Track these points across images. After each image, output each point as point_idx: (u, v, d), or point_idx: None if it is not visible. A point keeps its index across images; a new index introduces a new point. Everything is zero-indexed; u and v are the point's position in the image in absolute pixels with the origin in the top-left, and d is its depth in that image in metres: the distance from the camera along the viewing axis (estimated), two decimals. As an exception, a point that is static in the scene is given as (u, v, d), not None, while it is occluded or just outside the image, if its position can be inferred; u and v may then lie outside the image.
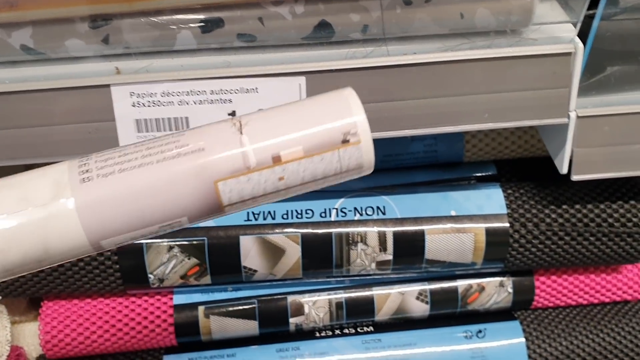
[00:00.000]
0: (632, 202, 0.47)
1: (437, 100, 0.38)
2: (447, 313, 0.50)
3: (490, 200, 0.46)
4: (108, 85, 0.36)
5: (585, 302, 0.51)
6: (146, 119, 0.37)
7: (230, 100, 0.37)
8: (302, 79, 0.36)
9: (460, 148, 0.50)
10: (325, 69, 0.36)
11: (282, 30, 0.36)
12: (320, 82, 0.36)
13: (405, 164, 0.51)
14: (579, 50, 0.37)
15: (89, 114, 0.37)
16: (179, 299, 0.48)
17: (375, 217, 0.46)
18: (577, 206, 0.46)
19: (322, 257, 0.46)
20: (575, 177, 0.41)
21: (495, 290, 0.49)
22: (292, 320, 0.48)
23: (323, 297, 0.48)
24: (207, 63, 0.36)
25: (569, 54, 0.37)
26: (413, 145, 0.50)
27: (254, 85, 0.36)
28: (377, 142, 0.50)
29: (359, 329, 0.49)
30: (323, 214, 0.46)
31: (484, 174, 0.51)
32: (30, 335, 0.50)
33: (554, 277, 0.50)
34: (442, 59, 0.37)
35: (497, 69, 0.37)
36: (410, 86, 0.37)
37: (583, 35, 0.38)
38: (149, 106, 0.37)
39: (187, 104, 0.37)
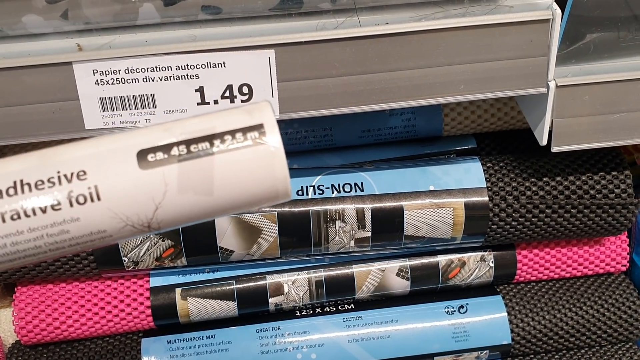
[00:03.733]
0: (614, 172, 0.46)
1: (411, 72, 0.37)
2: (428, 289, 0.49)
3: (469, 174, 0.45)
4: (70, 63, 0.35)
5: (567, 275, 0.51)
6: (111, 97, 0.36)
7: (197, 76, 0.35)
8: (271, 52, 0.35)
9: (439, 122, 0.49)
10: (294, 41, 0.35)
11: (249, 1, 0.35)
12: (290, 54, 0.35)
13: (383, 140, 0.50)
14: (557, 17, 0.36)
15: (51, 93, 0.35)
16: (156, 281, 0.47)
17: (353, 193, 0.45)
18: (558, 178, 0.46)
19: (299, 236, 0.45)
20: (555, 149, 0.41)
21: (477, 265, 0.49)
22: (271, 300, 0.47)
23: (302, 276, 0.48)
24: (172, 37, 0.35)
25: (546, 20, 0.36)
26: (391, 120, 0.49)
27: (222, 59, 0.35)
28: (355, 117, 0.49)
29: (339, 307, 0.49)
30: (300, 192, 0.45)
31: (464, 147, 0.50)
32: (5, 321, 0.49)
33: (535, 251, 0.49)
34: (416, 28, 0.35)
35: (472, 38, 0.36)
36: (383, 58, 0.36)
37: (561, 1, 0.37)
38: (113, 84, 0.35)
39: (153, 80, 0.35)
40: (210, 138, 0.23)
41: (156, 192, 0.23)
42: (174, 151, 0.23)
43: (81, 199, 0.23)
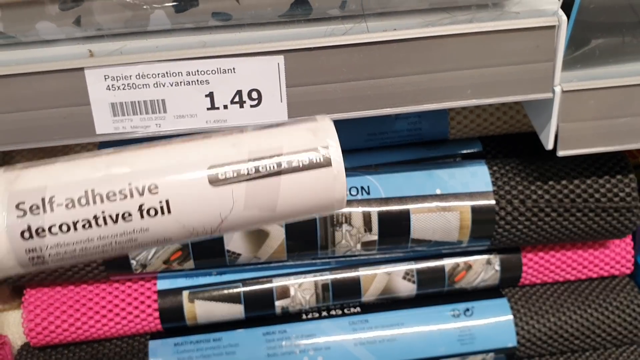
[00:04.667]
0: (619, 176, 0.46)
1: (419, 77, 0.37)
2: (434, 292, 0.50)
3: (476, 178, 0.46)
4: (82, 69, 0.35)
5: (572, 278, 0.51)
6: (122, 102, 0.36)
7: (207, 82, 0.36)
8: (280, 58, 0.36)
9: (445, 125, 0.49)
10: (304, 47, 0.35)
11: (258, 8, 0.35)
12: (298, 60, 0.36)
13: (389, 143, 0.50)
14: (563, 23, 0.37)
15: (63, 98, 0.36)
16: (163, 284, 0.47)
17: (359, 197, 0.45)
18: (564, 182, 0.46)
19: (306, 239, 0.45)
20: (561, 153, 0.41)
21: (483, 268, 0.49)
22: (278, 303, 0.48)
23: (309, 279, 0.48)
24: (182, 43, 0.36)
25: (552, 27, 0.37)
26: (397, 124, 0.49)
27: (231, 65, 0.36)
28: (361, 120, 0.50)
29: (345, 310, 0.49)
30: (307, 195, 0.45)
31: (469, 151, 0.50)
32: (14, 323, 0.49)
33: (541, 254, 0.50)
34: (423, 34, 0.36)
35: (479, 43, 0.36)
36: (391, 63, 0.36)
37: (567, 7, 0.37)
38: (124, 89, 0.36)
39: (163, 85, 0.36)
40: (277, 159, 0.24)
41: (224, 208, 0.24)
42: (244, 170, 0.24)
43: (152, 212, 0.24)
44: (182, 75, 0.36)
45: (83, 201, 0.23)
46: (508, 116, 0.50)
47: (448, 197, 0.45)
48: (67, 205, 0.23)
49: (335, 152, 0.25)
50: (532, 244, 0.48)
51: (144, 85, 0.36)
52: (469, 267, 0.49)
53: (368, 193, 0.45)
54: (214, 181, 0.24)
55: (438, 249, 0.47)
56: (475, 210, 0.45)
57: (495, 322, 0.49)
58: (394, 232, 0.45)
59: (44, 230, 0.23)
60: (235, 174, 0.24)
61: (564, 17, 0.36)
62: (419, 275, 0.49)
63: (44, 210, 0.23)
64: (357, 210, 0.45)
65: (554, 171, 0.46)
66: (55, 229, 0.23)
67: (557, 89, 0.39)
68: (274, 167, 0.24)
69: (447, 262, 0.49)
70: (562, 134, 0.40)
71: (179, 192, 0.24)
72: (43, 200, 0.23)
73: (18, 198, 0.23)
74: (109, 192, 0.24)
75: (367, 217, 0.45)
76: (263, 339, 0.47)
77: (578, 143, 0.41)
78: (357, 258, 0.48)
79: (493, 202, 0.45)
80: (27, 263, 0.24)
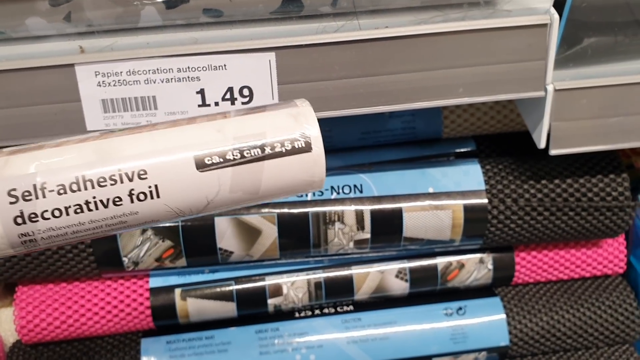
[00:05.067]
0: (611, 175, 0.46)
1: (411, 75, 0.37)
2: (427, 291, 0.50)
3: (468, 177, 0.46)
4: (72, 65, 0.35)
5: (565, 277, 0.51)
6: (112, 99, 0.36)
7: (198, 78, 0.36)
8: (271, 55, 0.35)
9: (438, 124, 0.49)
10: (295, 44, 0.35)
11: (250, 5, 0.35)
12: (290, 57, 0.36)
13: (383, 142, 0.50)
14: (555, 22, 0.37)
15: (53, 94, 0.36)
16: (155, 281, 0.47)
17: (352, 195, 0.45)
18: (556, 181, 0.46)
19: (299, 237, 0.45)
20: (553, 152, 0.41)
21: (475, 267, 0.49)
22: (270, 301, 0.48)
23: (301, 277, 0.48)
24: (173, 40, 0.36)
25: (544, 25, 0.37)
26: (391, 122, 0.49)
27: (222, 62, 0.35)
28: (354, 119, 0.49)
29: (338, 309, 0.49)
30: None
31: (463, 149, 0.50)
32: (6, 320, 0.49)
33: (534, 253, 0.50)
34: (415, 32, 0.36)
35: (471, 41, 0.36)
36: (383, 61, 0.36)
37: (559, 6, 0.37)
38: (115, 85, 0.36)
39: (154, 82, 0.36)
40: (261, 145, 0.25)
41: (210, 191, 0.25)
42: (229, 155, 0.25)
43: (142, 197, 0.25)
44: (173, 71, 0.36)
45: (75, 187, 0.24)
46: (502, 115, 0.50)
47: (441, 196, 0.45)
48: (58, 192, 0.24)
49: (315, 137, 0.26)
50: (524, 243, 0.48)
51: (135, 82, 0.36)
52: (461, 265, 0.49)
53: (361, 191, 0.45)
54: (201, 166, 0.25)
55: (431, 248, 0.47)
56: (467, 209, 0.45)
57: (488, 321, 0.49)
58: (386, 231, 0.45)
59: (36, 216, 0.24)
60: (221, 160, 0.25)
61: (556, 16, 0.36)
62: (412, 273, 0.49)
63: (37, 197, 0.24)
64: (350, 209, 0.45)
65: (547, 170, 0.46)
66: (47, 214, 0.24)
67: (550, 88, 0.39)
68: (257, 152, 0.25)
69: (440, 261, 0.49)
70: (555, 132, 0.40)
71: (167, 178, 0.25)
72: (35, 186, 0.24)
73: (10, 184, 0.24)
74: (100, 177, 0.24)
75: (359, 216, 0.45)
76: (255, 337, 0.47)
77: (570, 142, 0.41)
78: (349, 256, 0.48)
79: (485, 200, 0.45)
80: (19, 246, 0.24)
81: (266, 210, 0.44)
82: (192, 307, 0.47)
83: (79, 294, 0.47)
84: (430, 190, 0.45)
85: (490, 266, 0.49)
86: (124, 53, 0.35)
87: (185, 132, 0.26)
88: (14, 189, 0.24)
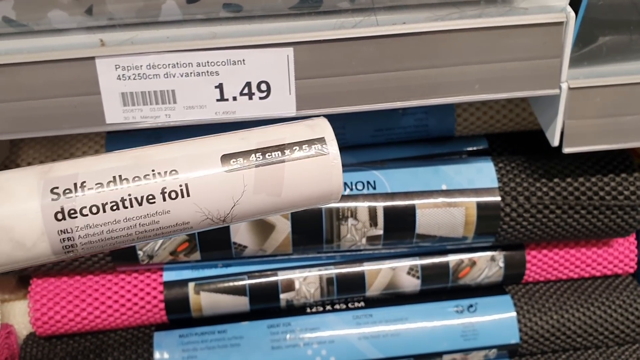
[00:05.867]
0: (624, 174, 0.46)
1: (427, 71, 0.37)
2: (438, 288, 0.50)
3: (482, 174, 0.46)
4: (93, 58, 0.35)
5: (576, 276, 0.51)
6: (132, 92, 0.36)
7: (217, 73, 0.36)
8: (289, 50, 0.36)
9: (451, 122, 0.50)
10: (313, 39, 0.36)
11: (269, 0, 0.35)
12: (308, 53, 0.36)
13: (396, 139, 0.50)
14: (571, 20, 0.37)
15: (73, 87, 0.36)
16: (169, 275, 0.47)
17: (365, 191, 0.46)
18: (569, 179, 0.46)
19: (312, 233, 0.45)
20: (566, 150, 0.41)
21: (487, 264, 0.49)
22: (282, 296, 0.48)
23: (314, 273, 0.48)
24: (193, 34, 0.36)
25: (560, 23, 0.37)
26: (404, 120, 0.49)
27: (241, 56, 0.36)
28: (367, 116, 0.50)
29: (350, 305, 0.49)
30: (313, 189, 0.45)
31: (475, 148, 0.51)
32: (20, 313, 0.50)
33: (545, 251, 0.50)
34: (432, 28, 0.36)
35: (487, 39, 0.37)
36: (400, 57, 0.37)
37: (575, 4, 0.37)
38: (134, 79, 0.36)
39: (174, 76, 0.36)
40: (281, 147, 0.27)
41: (236, 191, 0.27)
42: (252, 157, 0.27)
43: (173, 195, 0.26)
44: (192, 66, 0.36)
45: (111, 185, 0.26)
46: (514, 114, 0.50)
47: (454, 193, 0.46)
48: (97, 189, 0.26)
49: (331, 143, 0.28)
50: (536, 241, 0.49)
51: (155, 76, 0.36)
52: (473, 263, 0.49)
53: (374, 188, 0.46)
54: (227, 167, 0.27)
55: (443, 245, 0.47)
56: (480, 206, 0.45)
57: (498, 318, 0.49)
58: (399, 227, 0.46)
59: (75, 212, 0.25)
60: (245, 161, 0.27)
61: (572, 14, 0.37)
62: (423, 270, 0.49)
63: (76, 194, 0.26)
64: (363, 205, 0.45)
65: (559, 168, 0.46)
66: (85, 211, 0.25)
67: (564, 86, 0.39)
68: (278, 155, 0.27)
69: (452, 258, 0.49)
70: (568, 131, 0.41)
71: (197, 177, 0.27)
72: (75, 184, 0.26)
73: (52, 184, 0.26)
74: (135, 176, 0.26)
75: (372, 212, 0.45)
76: (267, 331, 0.48)
77: (584, 140, 0.41)
78: (362, 253, 0.48)
79: (498, 198, 0.46)
80: (59, 248, 0.26)
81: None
82: (205, 301, 0.47)
83: (93, 287, 0.47)
84: (444, 187, 0.46)
85: (501, 264, 0.49)
86: (144, 47, 0.35)
87: (212, 141, 0.28)
88: (56, 187, 0.26)
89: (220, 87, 0.36)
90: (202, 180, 0.26)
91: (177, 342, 0.48)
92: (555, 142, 0.41)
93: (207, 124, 0.37)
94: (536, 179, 0.46)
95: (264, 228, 0.45)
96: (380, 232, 0.46)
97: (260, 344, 0.48)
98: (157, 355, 0.47)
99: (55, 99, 0.36)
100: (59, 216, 0.25)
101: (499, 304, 0.50)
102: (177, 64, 0.36)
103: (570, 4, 0.37)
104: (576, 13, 0.37)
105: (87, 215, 0.25)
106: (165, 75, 0.36)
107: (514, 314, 0.49)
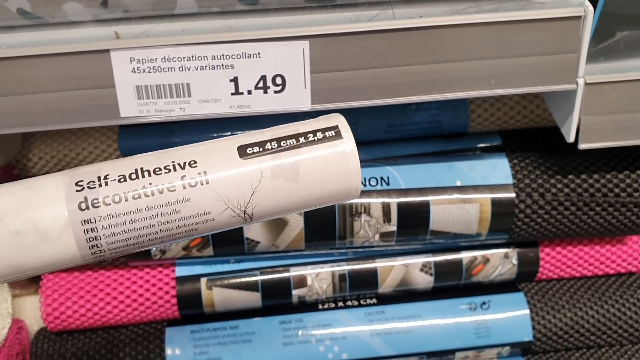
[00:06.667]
0: (638, 171, 0.46)
1: (444, 66, 0.37)
2: (451, 285, 0.49)
3: (496, 170, 0.46)
4: (107, 51, 0.35)
5: (589, 274, 0.51)
6: (147, 85, 0.36)
7: (232, 66, 0.36)
8: (305, 43, 0.36)
9: (465, 118, 0.49)
10: (329, 32, 0.35)
11: (285, -7, 0.35)
12: (324, 46, 0.36)
13: (409, 135, 0.50)
14: (589, 14, 0.36)
15: (88, 80, 0.36)
16: (181, 270, 0.47)
17: (379, 187, 0.45)
18: (583, 176, 0.46)
19: (325, 229, 0.45)
20: (582, 146, 0.41)
21: (500, 261, 0.49)
22: (294, 292, 0.48)
23: (326, 269, 0.48)
24: (208, 27, 0.36)
25: (578, 17, 0.37)
26: (417, 116, 0.49)
27: (256, 50, 0.36)
28: (380, 112, 0.50)
29: (362, 301, 0.49)
30: (326, 185, 0.45)
31: (489, 144, 0.50)
32: (31, 308, 0.50)
33: (558, 249, 0.50)
34: (449, 22, 0.36)
35: (504, 33, 0.36)
36: (416, 51, 0.36)
37: (592, -2, 0.37)
38: (149, 72, 0.36)
39: (189, 69, 0.36)
40: (296, 136, 0.28)
41: (254, 178, 0.28)
42: (268, 145, 0.28)
43: (192, 183, 0.27)
44: (207, 59, 0.36)
45: (133, 176, 0.27)
46: (528, 110, 0.50)
47: (468, 189, 0.45)
48: (119, 180, 0.27)
49: (345, 130, 0.28)
50: (550, 238, 0.48)
51: (169, 69, 0.36)
52: (486, 260, 0.49)
53: (387, 184, 0.45)
54: (244, 155, 0.28)
55: (456, 242, 0.47)
56: (495, 202, 0.45)
57: (511, 316, 0.49)
58: (413, 223, 0.45)
59: (98, 201, 0.26)
60: (261, 149, 0.28)
61: (590, 8, 0.36)
62: (437, 267, 0.49)
63: (100, 185, 0.27)
64: (377, 201, 0.45)
65: (574, 165, 0.46)
66: (108, 200, 0.26)
67: (580, 81, 0.39)
68: (293, 142, 0.28)
69: (465, 255, 0.49)
70: (584, 127, 0.40)
71: (215, 164, 0.27)
72: (99, 177, 0.27)
73: (77, 178, 0.27)
74: (156, 168, 0.27)
75: (386, 208, 0.45)
76: (279, 327, 0.48)
77: (599, 136, 0.41)
78: (374, 249, 0.48)
79: (513, 195, 0.45)
80: (83, 241, 0.26)
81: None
82: (217, 296, 0.47)
83: (104, 282, 0.47)
84: (458, 183, 0.45)
85: (514, 261, 0.49)
86: (160, 40, 0.35)
87: (230, 138, 0.29)
88: (81, 180, 0.27)
89: (235, 80, 0.36)
90: (220, 168, 0.27)
91: (189, 337, 0.47)
92: (571, 138, 0.41)
93: (221, 117, 0.37)
94: (551, 176, 0.46)
95: (276, 224, 0.45)
96: (394, 228, 0.45)
97: (272, 340, 0.47)
98: (168, 351, 0.47)
99: (70, 92, 0.36)
100: (83, 206, 0.26)
101: (512, 301, 0.49)
102: (192, 57, 0.36)
103: (588, -2, 0.37)
104: (594, 7, 0.37)
105: (109, 204, 0.26)
106: (180, 69, 0.36)
107: (527, 311, 0.49)
